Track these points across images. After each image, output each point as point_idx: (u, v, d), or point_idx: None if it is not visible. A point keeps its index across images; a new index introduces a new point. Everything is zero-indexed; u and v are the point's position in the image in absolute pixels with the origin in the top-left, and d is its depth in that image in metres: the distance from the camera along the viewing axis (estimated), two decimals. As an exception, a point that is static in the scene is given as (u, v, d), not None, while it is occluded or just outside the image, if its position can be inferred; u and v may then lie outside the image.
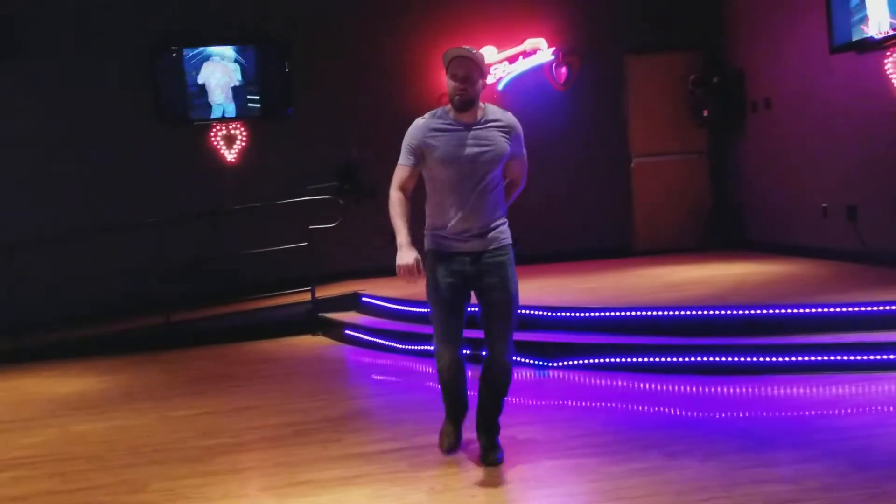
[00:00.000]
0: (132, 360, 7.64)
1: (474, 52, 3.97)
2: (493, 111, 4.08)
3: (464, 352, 4.18)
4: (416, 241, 4.06)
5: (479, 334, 4.23)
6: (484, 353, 4.20)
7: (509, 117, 4.11)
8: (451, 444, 4.23)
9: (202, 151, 9.50)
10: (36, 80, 9.11)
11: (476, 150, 3.98)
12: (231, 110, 9.49)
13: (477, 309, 4.14)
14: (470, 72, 3.93)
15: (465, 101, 3.95)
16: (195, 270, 8.98)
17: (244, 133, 9.62)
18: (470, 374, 4.26)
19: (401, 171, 4.10)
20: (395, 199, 4.09)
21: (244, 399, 5.91)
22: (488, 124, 4.02)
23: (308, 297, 8.45)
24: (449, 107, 4.04)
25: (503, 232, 4.10)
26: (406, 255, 3.95)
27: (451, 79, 3.96)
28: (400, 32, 9.68)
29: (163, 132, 9.36)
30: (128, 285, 8.81)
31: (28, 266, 8.58)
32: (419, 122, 4.08)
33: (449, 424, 4.28)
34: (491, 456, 4.16)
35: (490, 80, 9.67)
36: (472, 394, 4.28)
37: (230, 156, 9.58)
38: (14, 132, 9.03)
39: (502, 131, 4.04)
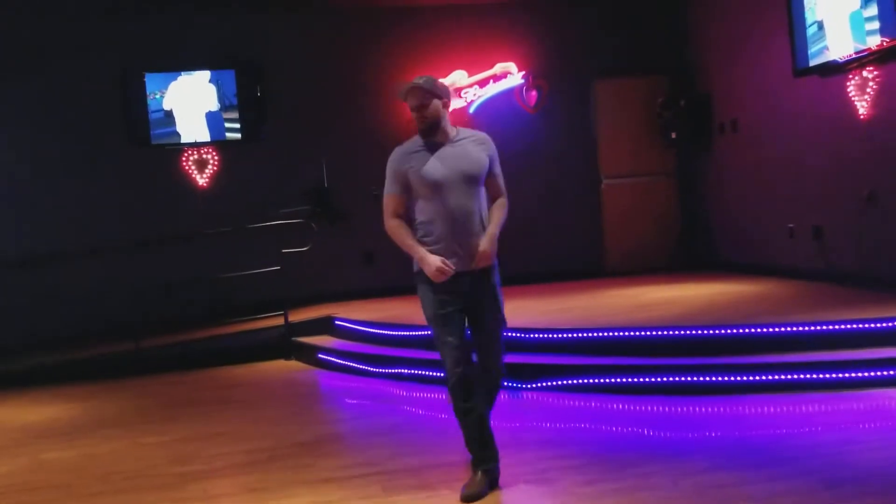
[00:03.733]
0: (102, 387, 7.56)
1: (423, 80, 4.13)
2: (464, 131, 4.23)
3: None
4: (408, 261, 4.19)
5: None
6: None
7: (482, 134, 4.26)
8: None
9: (174, 175, 9.47)
10: (7, 105, 9.06)
11: (453, 164, 4.08)
12: (203, 134, 9.48)
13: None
14: (422, 99, 4.10)
15: (425, 126, 4.12)
16: (166, 295, 8.91)
17: (216, 157, 9.60)
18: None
19: (389, 200, 4.18)
20: (394, 225, 4.16)
21: (216, 425, 5.86)
22: (462, 140, 4.15)
23: (281, 321, 8.42)
24: None
25: (494, 255, 4.17)
26: (432, 261, 4.02)
27: (410, 110, 4.16)
28: (372, 56, 9.74)
29: (133, 157, 9.32)
30: (97, 310, 8.72)
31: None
32: (396, 150, 4.20)
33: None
34: None
35: (461, 103, 9.75)
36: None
37: (202, 180, 9.55)
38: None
39: (477, 145, 4.17)
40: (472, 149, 4.13)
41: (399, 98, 4.23)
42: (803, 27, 7.44)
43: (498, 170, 4.25)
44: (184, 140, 9.44)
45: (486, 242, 4.08)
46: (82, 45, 9.19)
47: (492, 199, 4.27)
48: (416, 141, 4.16)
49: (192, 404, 6.64)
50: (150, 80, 9.33)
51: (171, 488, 4.49)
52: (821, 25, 7.23)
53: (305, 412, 6.24)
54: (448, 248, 4.06)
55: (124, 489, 4.54)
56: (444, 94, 4.14)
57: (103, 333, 8.68)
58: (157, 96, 9.36)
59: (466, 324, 4.17)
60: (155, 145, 9.37)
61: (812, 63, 7.41)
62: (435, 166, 4.06)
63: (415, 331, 6.93)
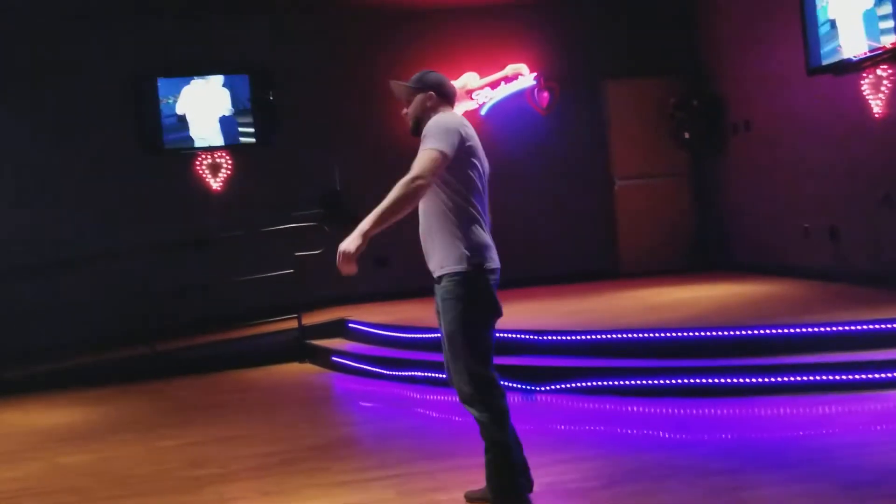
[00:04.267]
0: (118, 391, 7.59)
1: (400, 81, 3.84)
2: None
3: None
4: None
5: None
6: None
7: (432, 118, 3.67)
8: None
9: (188, 180, 9.50)
10: (22, 108, 9.11)
11: None
12: (217, 139, 9.51)
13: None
14: (406, 97, 3.81)
15: (410, 126, 3.82)
16: (180, 298, 8.95)
17: (230, 161, 9.63)
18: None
19: None
20: None
21: (231, 428, 5.87)
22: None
23: (295, 324, 8.43)
24: None
25: (445, 259, 3.62)
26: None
27: None
28: (385, 59, 9.74)
29: (147, 162, 9.36)
30: (111, 315, 8.76)
31: (10, 296, 8.53)
32: None
33: None
34: None
35: (473, 105, 9.74)
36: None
37: (216, 184, 9.59)
38: (-4, 161, 9.04)
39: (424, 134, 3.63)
40: (422, 143, 3.61)
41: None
42: (815, 26, 7.40)
43: (422, 146, 3.53)
44: (197, 144, 9.48)
45: (347, 240, 3.61)
46: (94, 49, 9.25)
47: None
48: None
49: (207, 408, 6.66)
50: (163, 84, 9.37)
51: (186, 492, 4.50)
52: (833, 24, 7.19)
53: (320, 415, 6.25)
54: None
55: (140, 493, 4.56)
56: (427, 87, 3.74)
57: (118, 337, 8.72)
58: (170, 101, 9.39)
59: None
60: (168, 150, 9.42)
61: (825, 62, 7.37)
62: None
63: (428, 333, 6.93)
